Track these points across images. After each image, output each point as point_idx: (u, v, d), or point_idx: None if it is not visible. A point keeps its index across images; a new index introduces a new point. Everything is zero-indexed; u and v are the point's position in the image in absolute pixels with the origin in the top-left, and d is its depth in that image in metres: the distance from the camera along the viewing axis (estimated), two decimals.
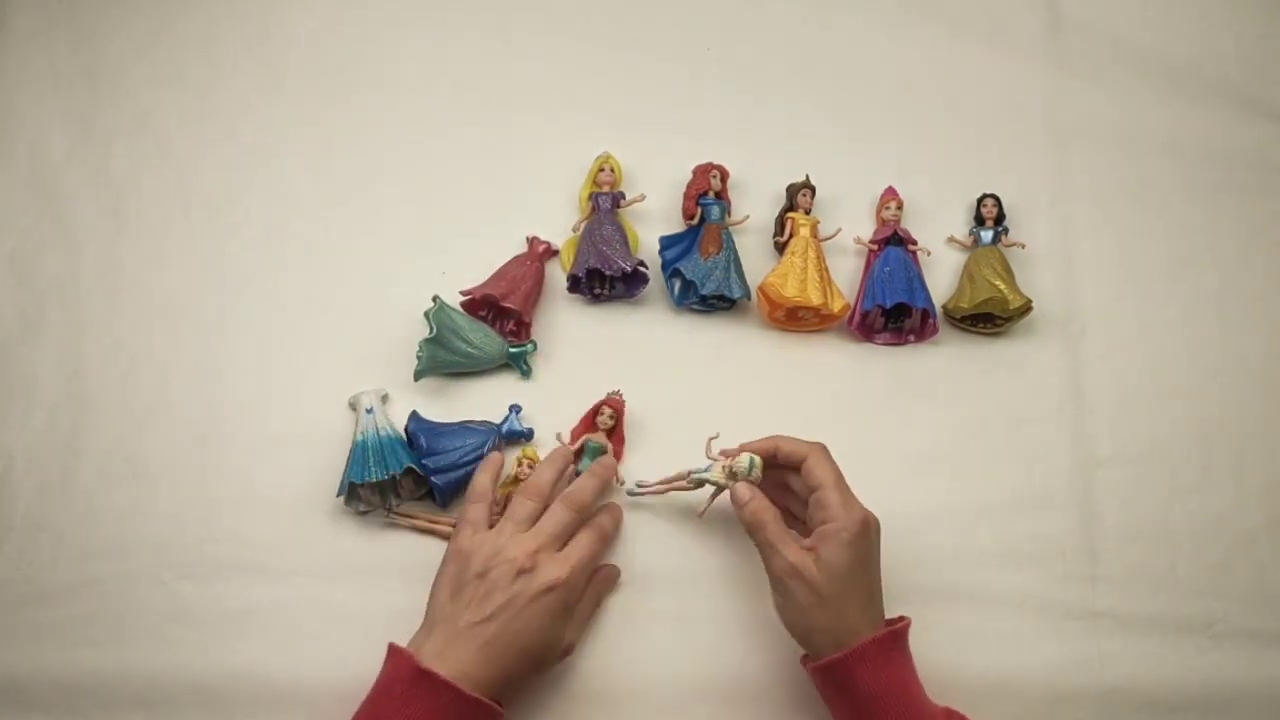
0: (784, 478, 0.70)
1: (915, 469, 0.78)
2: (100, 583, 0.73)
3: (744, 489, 0.67)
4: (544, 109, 0.90)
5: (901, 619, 0.66)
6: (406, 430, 0.76)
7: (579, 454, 0.76)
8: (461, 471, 0.74)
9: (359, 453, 0.73)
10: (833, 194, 0.86)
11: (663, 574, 0.74)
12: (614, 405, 0.76)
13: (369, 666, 0.63)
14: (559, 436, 0.76)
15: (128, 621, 0.72)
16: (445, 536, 0.73)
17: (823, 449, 0.68)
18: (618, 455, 0.76)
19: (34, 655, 0.71)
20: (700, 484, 0.71)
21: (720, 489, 0.70)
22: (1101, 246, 0.87)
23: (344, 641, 0.70)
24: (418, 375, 0.77)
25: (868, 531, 0.64)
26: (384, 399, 0.77)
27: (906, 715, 0.62)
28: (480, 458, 0.74)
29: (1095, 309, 0.85)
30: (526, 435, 0.77)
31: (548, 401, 0.79)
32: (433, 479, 0.73)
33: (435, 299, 0.78)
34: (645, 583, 0.74)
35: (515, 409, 0.77)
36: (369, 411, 0.75)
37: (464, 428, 0.76)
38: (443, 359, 0.77)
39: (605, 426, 0.76)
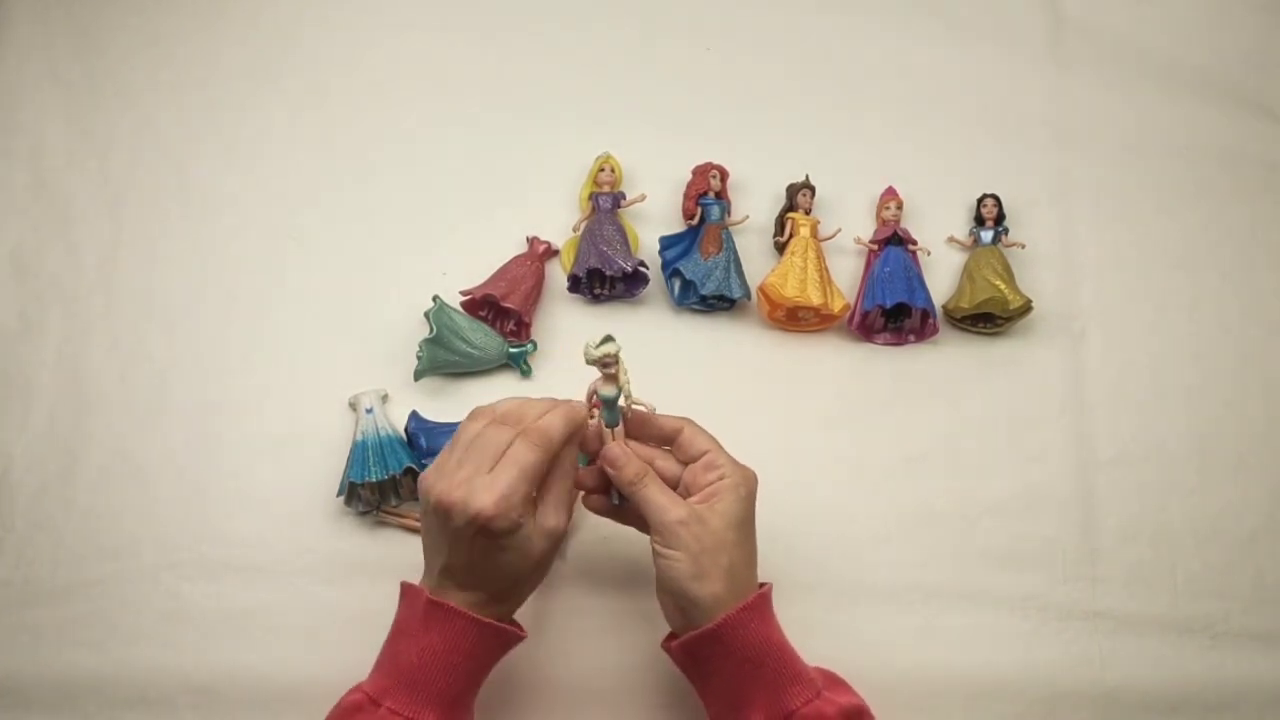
0: (646, 454, 0.66)
1: (916, 469, 0.78)
2: (99, 583, 0.73)
3: (618, 451, 0.63)
4: (544, 109, 0.90)
5: (764, 584, 0.64)
6: (406, 430, 0.76)
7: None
8: None
9: (359, 453, 0.73)
10: (833, 194, 0.86)
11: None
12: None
13: (368, 666, 0.63)
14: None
15: (127, 622, 0.72)
16: None
17: (693, 421, 0.66)
18: None
19: (34, 655, 0.71)
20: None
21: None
22: (1101, 246, 0.87)
23: (343, 641, 0.70)
24: (417, 375, 0.77)
25: (755, 488, 0.64)
26: (384, 399, 0.77)
27: (790, 670, 0.61)
28: None
29: (1095, 309, 0.85)
30: None
31: None
32: None
33: (435, 299, 0.78)
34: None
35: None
36: (369, 411, 0.75)
37: None
38: (443, 359, 0.77)
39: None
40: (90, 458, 0.77)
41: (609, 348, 0.61)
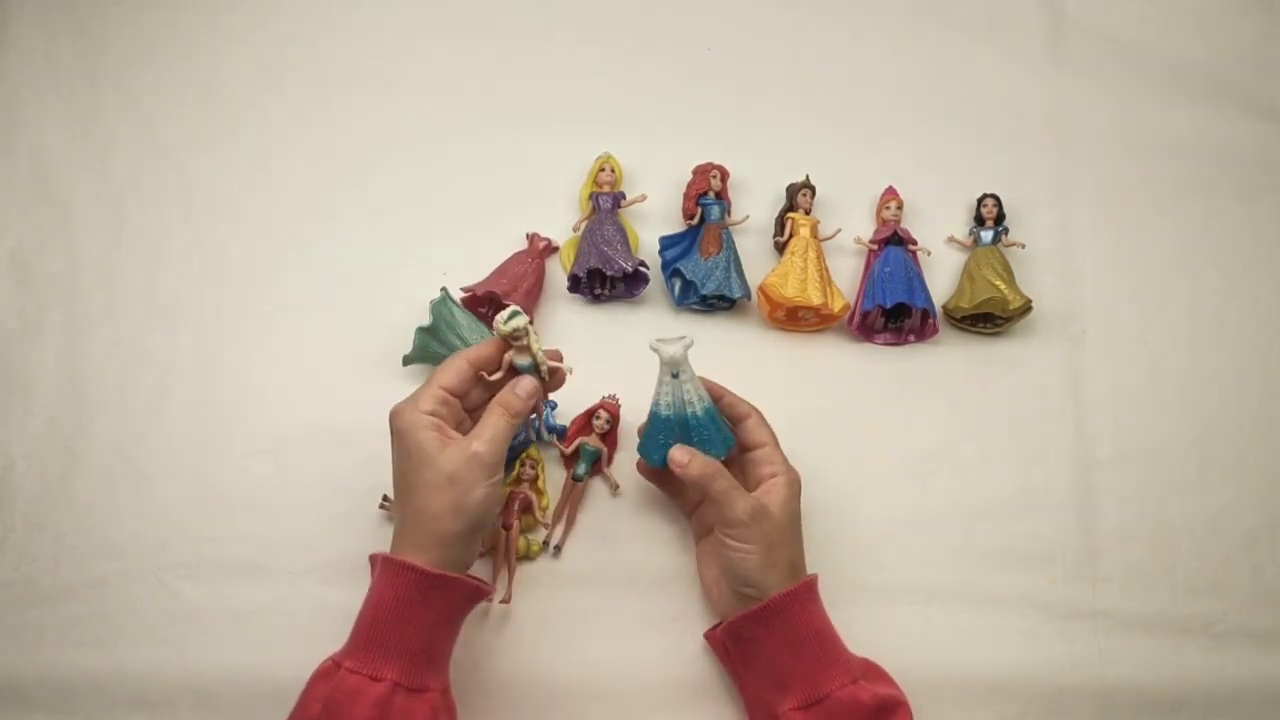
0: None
1: (915, 469, 0.78)
2: (100, 583, 0.73)
3: (681, 452, 0.67)
4: (544, 109, 0.90)
5: (813, 574, 0.68)
6: None
7: (574, 456, 0.76)
8: None
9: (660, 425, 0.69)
10: (833, 194, 0.86)
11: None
12: (610, 409, 0.76)
13: None
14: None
15: (128, 622, 0.72)
16: None
17: (759, 411, 0.71)
18: (610, 459, 0.76)
19: (34, 655, 0.71)
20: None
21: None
22: (1101, 246, 0.87)
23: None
24: (406, 360, 0.77)
25: (801, 489, 0.69)
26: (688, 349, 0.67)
27: (831, 655, 0.64)
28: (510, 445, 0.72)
29: (1095, 309, 0.85)
30: (559, 432, 0.77)
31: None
32: None
33: (443, 289, 0.78)
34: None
35: (551, 405, 0.77)
36: (674, 377, 0.67)
37: None
38: (434, 350, 0.77)
39: (600, 430, 0.76)
40: (90, 458, 0.77)
41: (517, 322, 0.64)
